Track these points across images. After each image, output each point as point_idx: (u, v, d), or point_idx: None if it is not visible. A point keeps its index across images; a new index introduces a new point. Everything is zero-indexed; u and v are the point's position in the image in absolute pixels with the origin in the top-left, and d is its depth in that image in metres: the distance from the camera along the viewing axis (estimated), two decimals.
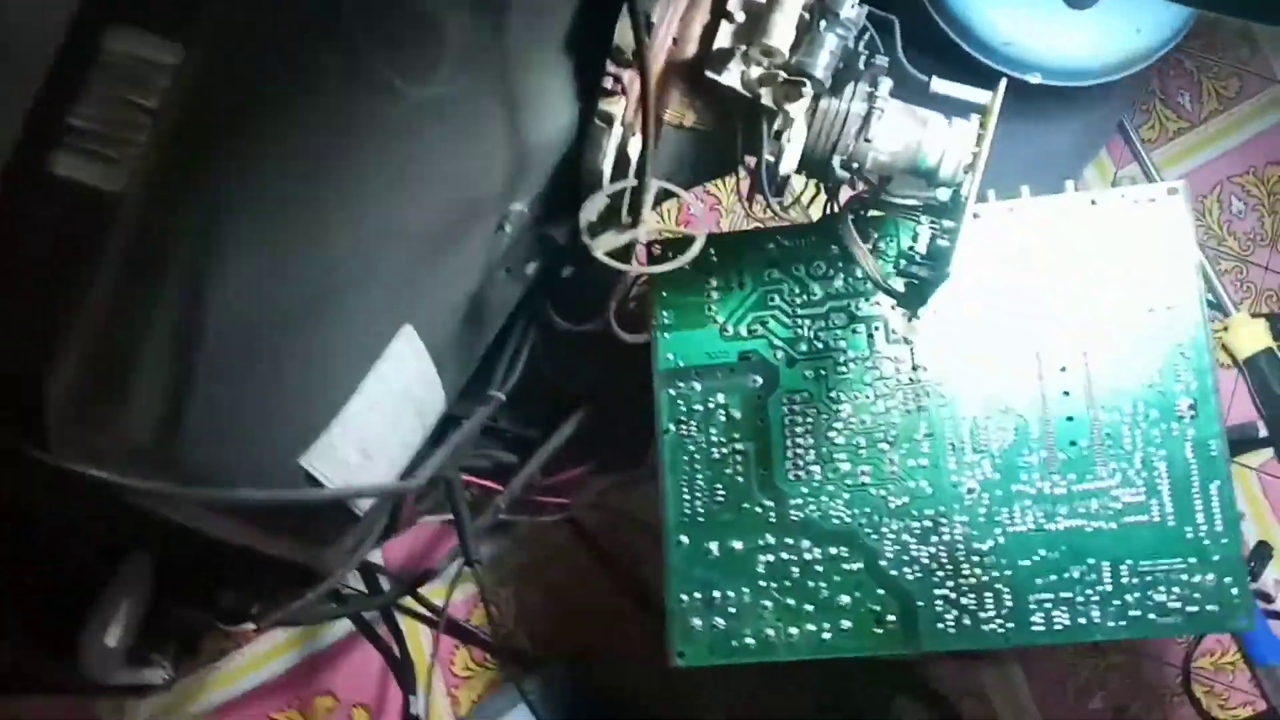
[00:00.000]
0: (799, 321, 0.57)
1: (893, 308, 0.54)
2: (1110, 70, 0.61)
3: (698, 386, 0.56)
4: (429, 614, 0.67)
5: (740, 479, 0.55)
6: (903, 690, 0.64)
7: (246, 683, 0.69)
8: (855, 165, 0.48)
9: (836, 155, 0.48)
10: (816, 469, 0.54)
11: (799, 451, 0.55)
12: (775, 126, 0.46)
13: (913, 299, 0.50)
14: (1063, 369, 0.53)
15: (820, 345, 0.56)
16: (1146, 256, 0.53)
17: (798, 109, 0.45)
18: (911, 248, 0.49)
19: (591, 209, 0.45)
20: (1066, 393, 0.53)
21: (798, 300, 0.57)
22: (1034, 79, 0.60)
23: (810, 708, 0.63)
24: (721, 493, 0.55)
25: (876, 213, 0.52)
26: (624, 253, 0.46)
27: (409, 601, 0.66)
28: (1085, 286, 0.53)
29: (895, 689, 0.64)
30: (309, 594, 0.55)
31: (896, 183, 0.48)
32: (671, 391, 0.56)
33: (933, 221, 0.47)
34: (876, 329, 0.56)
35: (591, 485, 0.65)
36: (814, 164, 0.48)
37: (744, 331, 0.57)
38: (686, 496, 0.55)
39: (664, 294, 0.58)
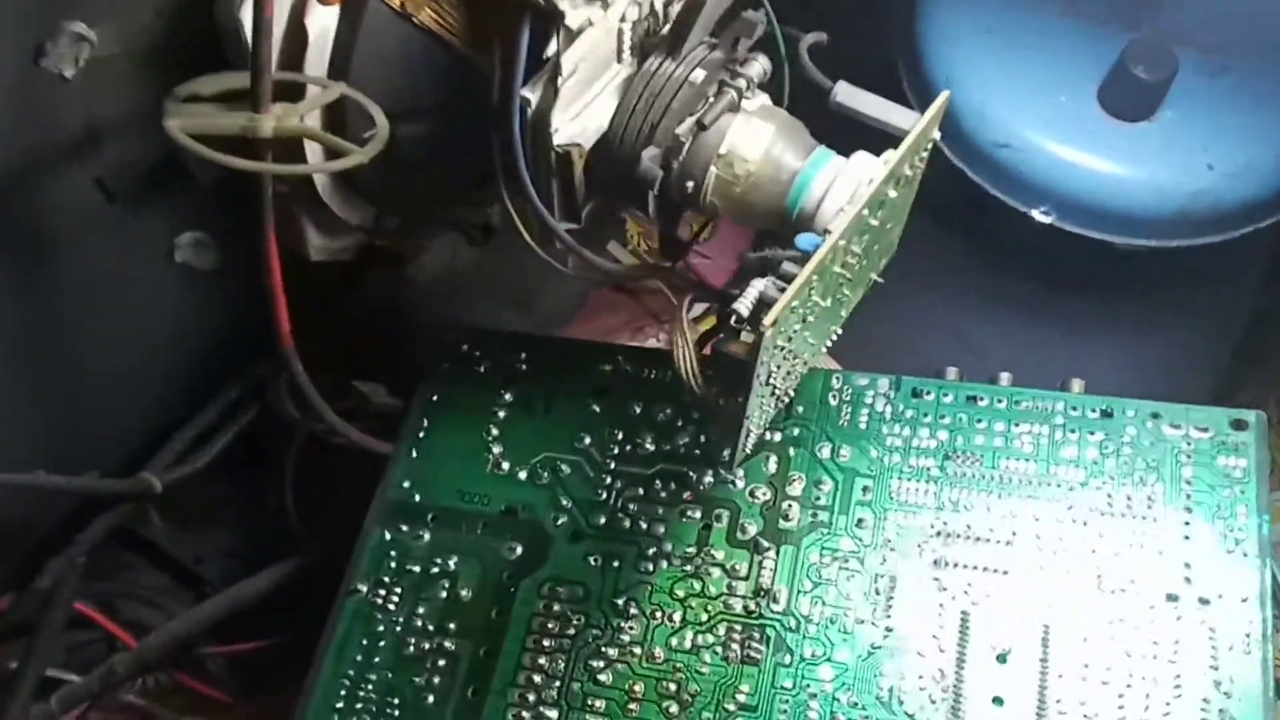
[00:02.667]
0: (609, 479, 0.36)
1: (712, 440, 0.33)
2: (1184, 227, 0.38)
3: (426, 537, 0.36)
4: None
5: (431, 697, 0.33)
6: None
7: None
8: (678, 169, 0.29)
9: (653, 145, 0.29)
10: (552, 716, 0.32)
11: (536, 679, 0.32)
12: (554, 48, 0.28)
13: (728, 424, 0.29)
14: (1001, 656, 0.31)
15: (627, 522, 0.35)
16: (1204, 500, 0.31)
17: (586, 17, 0.28)
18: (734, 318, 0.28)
19: (206, 82, 0.27)
20: (999, 700, 0.30)
21: (617, 448, 0.36)
22: (1040, 215, 0.39)
23: None
24: (396, 711, 0.33)
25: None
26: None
27: None
28: (1076, 525, 0.32)
29: None
30: None
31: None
32: (387, 534, 0.36)
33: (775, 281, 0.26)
34: (719, 518, 0.34)
35: (259, 689, 0.43)
36: (617, 154, 0.30)
37: (524, 474, 0.36)
38: (342, 698, 0.33)
39: (433, 395, 0.38)
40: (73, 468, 0.38)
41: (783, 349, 0.28)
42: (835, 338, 0.32)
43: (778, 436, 0.35)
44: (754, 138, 0.29)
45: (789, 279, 0.26)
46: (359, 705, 0.33)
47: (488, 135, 0.31)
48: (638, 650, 0.33)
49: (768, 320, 0.25)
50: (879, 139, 0.29)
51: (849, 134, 0.30)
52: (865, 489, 0.34)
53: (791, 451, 0.35)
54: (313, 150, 0.31)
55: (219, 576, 0.44)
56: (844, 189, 0.28)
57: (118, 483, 0.38)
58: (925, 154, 0.30)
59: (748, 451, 0.32)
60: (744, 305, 0.27)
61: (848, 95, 0.29)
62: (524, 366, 0.39)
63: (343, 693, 0.33)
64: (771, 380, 0.29)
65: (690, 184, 0.30)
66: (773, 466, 0.35)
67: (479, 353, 0.39)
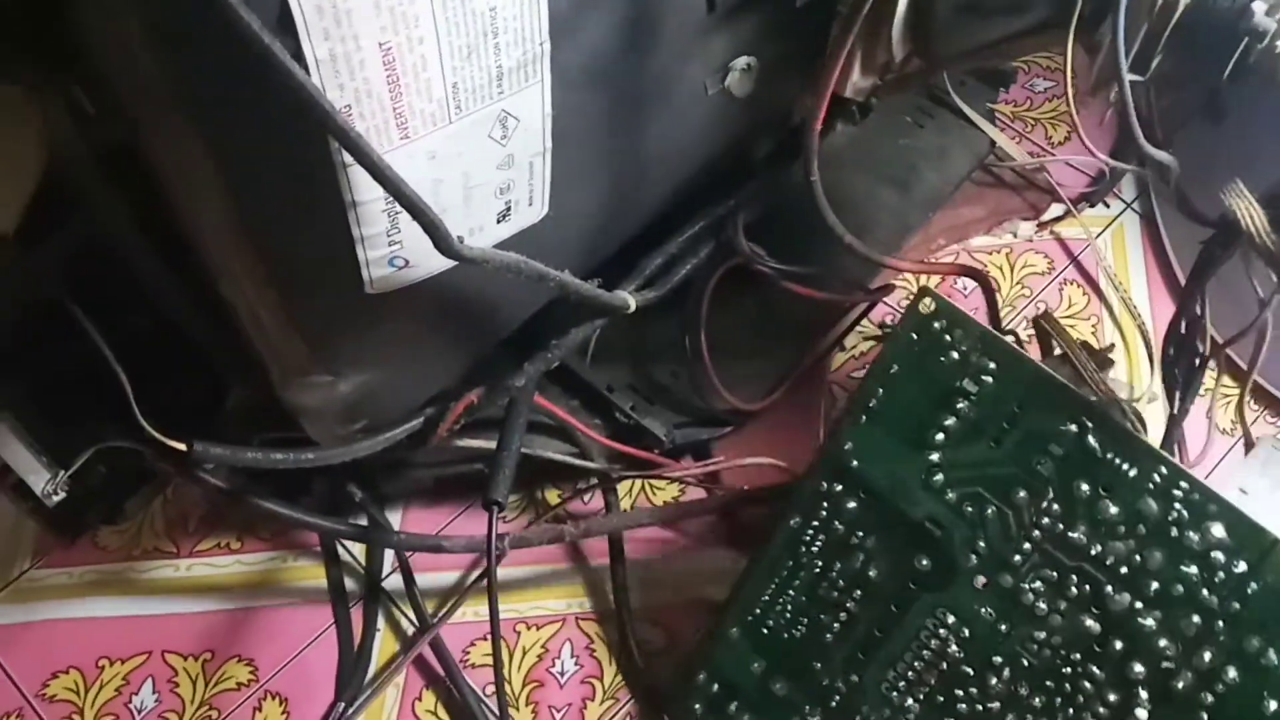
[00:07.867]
0: (1029, 548, 0.36)
1: None
2: None
3: (853, 507, 0.39)
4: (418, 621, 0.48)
5: (829, 637, 0.40)
6: None
7: (158, 604, 0.49)
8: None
9: None
10: (912, 705, 0.39)
11: (910, 676, 0.39)
12: None
13: None
14: None
15: (1030, 597, 0.36)
16: None
17: None
18: None
19: None
20: None
21: (1061, 506, 0.35)
22: None
23: None
24: (802, 630, 0.41)
25: None
26: None
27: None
28: None
29: None
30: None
31: None
32: (824, 484, 0.40)
33: None
34: (1113, 643, 0.34)
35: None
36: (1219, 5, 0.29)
37: (953, 494, 0.37)
38: (767, 599, 0.41)
39: (894, 365, 0.38)
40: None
41: None
42: None
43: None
44: None
45: None
46: (776, 609, 0.41)
47: None
48: (995, 707, 0.37)
49: None
50: None
51: None
52: None
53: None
54: None
55: (629, 406, 0.48)
56: None
57: (608, 295, 0.39)
58: None
59: None
60: None
61: None
62: (989, 378, 0.36)
63: (766, 598, 0.41)
64: None
65: None
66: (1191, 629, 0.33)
67: (949, 337, 0.37)
